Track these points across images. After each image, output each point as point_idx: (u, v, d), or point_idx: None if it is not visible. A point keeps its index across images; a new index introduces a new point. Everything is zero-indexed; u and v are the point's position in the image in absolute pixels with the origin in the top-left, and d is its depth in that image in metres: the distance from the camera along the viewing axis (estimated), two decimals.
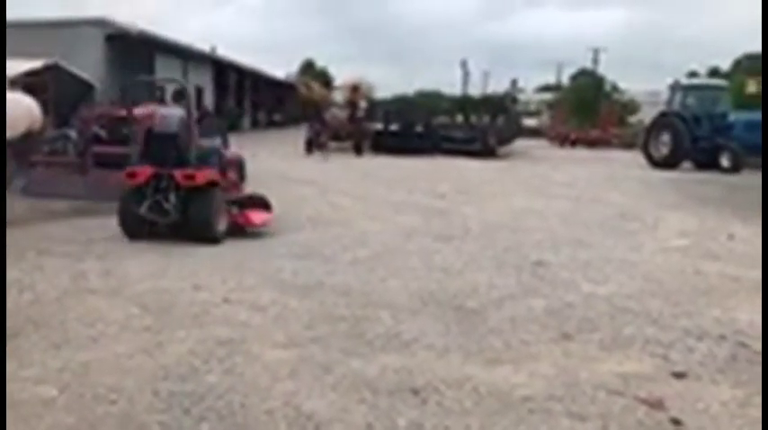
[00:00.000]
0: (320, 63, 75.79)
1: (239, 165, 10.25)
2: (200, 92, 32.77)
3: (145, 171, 7.92)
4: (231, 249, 7.51)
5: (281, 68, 61.96)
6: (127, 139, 12.16)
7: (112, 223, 8.18)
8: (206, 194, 7.87)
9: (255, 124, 43.74)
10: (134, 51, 25.43)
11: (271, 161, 18.65)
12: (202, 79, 33.73)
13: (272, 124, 46.55)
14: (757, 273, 6.88)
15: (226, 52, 38.25)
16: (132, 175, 7.97)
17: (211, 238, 7.75)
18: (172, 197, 7.85)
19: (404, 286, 6.00)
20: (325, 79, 55.28)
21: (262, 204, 9.04)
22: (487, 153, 23.40)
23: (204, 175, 7.90)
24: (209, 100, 32.97)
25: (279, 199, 11.68)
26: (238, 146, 17.76)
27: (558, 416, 3.51)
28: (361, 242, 7.96)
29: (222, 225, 8.03)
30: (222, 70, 37.25)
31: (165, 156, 8.04)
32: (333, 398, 3.66)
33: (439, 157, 22.38)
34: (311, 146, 22.86)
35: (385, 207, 11.22)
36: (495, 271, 6.69)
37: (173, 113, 8.71)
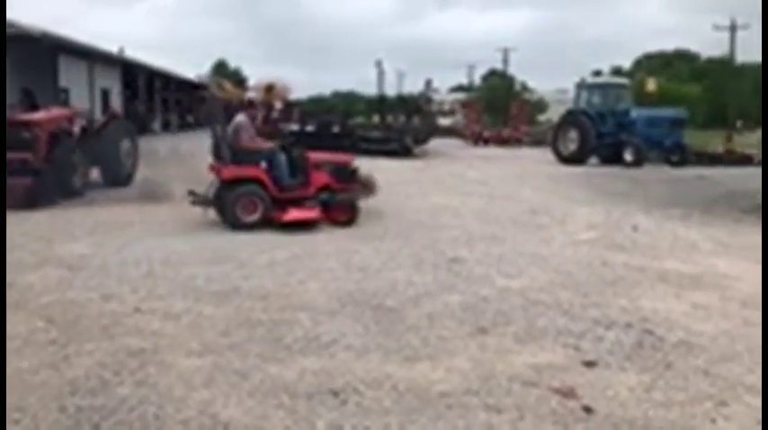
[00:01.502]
0: (233, 64, 74.64)
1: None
2: (106, 94, 31.62)
3: None
4: (141, 255, 7.27)
5: (192, 69, 60.62)
6: (27, 144, 11.65)
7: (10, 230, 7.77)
8: None
9: (167, 127, 42.56)
10: (37, 53, 24.25)
11: (184, 163, 18.16)
12: (110, 81, 32.56)
13: (185, 126, 45.40)
14: (659, 263, 7.24)
15: (135, 53, 37.11)
16: None
17: None
18: None
19: (322, 288, 5.96)
20: (238, 80, 54.40)
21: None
22: (404, 153, 23.64)
23: None
24: (116, 102, 31.82)
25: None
26: (146, 149, 17.28)
27: (474, 409, 3.57)
28: (277, 244, 7.86)
29: None
30: (131, 72, 36.07)
31: None
32: (250, 404, 3.59)
33: (356, 158, 22.38)
34: (218, 150, 22.38)
35: None
36: (413, 269, 6.75)
37: None
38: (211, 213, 9.53)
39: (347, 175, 9.94)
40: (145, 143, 17.91)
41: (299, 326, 4.87)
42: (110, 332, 4.73)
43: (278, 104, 25.63)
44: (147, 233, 8.77)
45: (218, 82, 31.40)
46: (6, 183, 10.57)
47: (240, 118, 9.84)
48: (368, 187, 10.51)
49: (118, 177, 13.99)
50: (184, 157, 19.35)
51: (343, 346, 4.49)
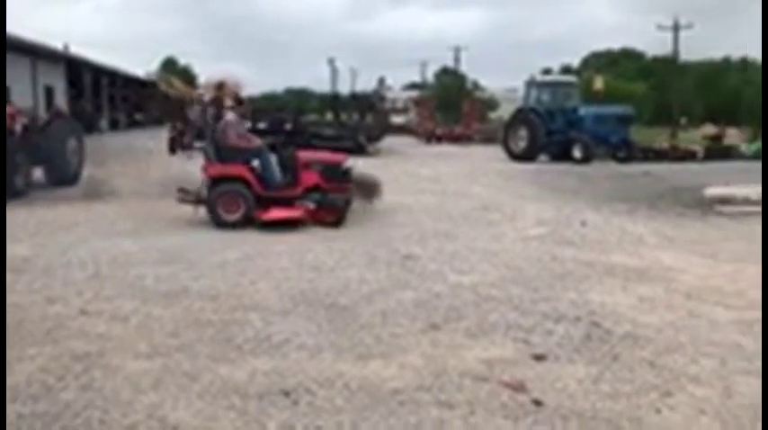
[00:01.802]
0: (183, 61, 73.43)
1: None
2: (50, 92, 30.73)
3: None
4: (87, 256, 7.08)
5: (142, 67, 59.44)
6: None
7: None
8: None
9: (115, 125, 41.59)
10: None
11: (131, 163, 17.79)
12: (54, 79, 31.63)
13: (133, 125, 44.45)
14: (607, 257, 7.39)
15: (81, 50, 36.10)
16: None
17: None
18: None
19: (275, 287, 5.91)
20: (188, 77, 53.55)
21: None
22: (358, 150, 23.58)
23: None
24: (62, 100, 30.96)
25: (139, 201, 11.22)
26: (93, 148, 16.86)
27: (426, 406, 3.58)
28: (229, 244, 7.76)
29: None
30: (76, 69, 35.11)
31: None
32: (200, 406, 3.54)
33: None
34: (174, 145, 22.05)
35: None
36: (366, 266, 6.74)
37: None
38: (165, 211, 9.37)
39: (339, 175, 9.70)
40: (92, 142, 17.48)
41: (251, 327, 4.82)
42: (53, 336, 4.60)
43: (229, 102, 25.30)
44: (94, 233, 8.55)
45: (167, 79, 30.81)
46: None
47: (229, 116, 9.77)
48: (370, 190, 10.34)
49: (64, 176, 13.63)
50: (133, 156, 18.97)
51: (296, 346, 4.46)
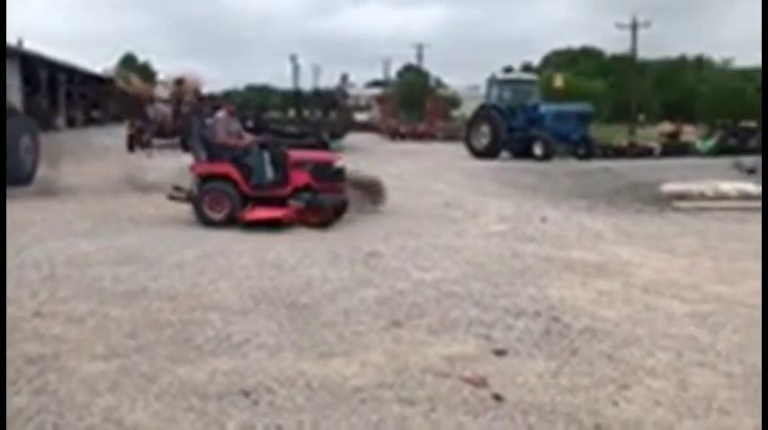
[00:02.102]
0: (142, 58, 72.21)
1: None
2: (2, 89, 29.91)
3: None
4: (42, 256, 6.92)
5: (100, 63, 58.09)
6: None
7: None
8: None
9: (72, 122, 40.71)
10: None
11: (88, 161, 17.46)
12: (7, 75, 30.78)
13: (91, 122, 43.57)
14: (566, 253, 7.49)
15: (37, 46, 35.22)
16: None
17: None
18: None
19: (235, 286, 5.85)
20: (147, 74, 52.71)
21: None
22: (321, 147, 23.49)
23: None
24: (15, 97, 30.16)
25: (98, 200, 11.01)
26: (49, 146, 16.48)
27: (388, 403, 3.58)
28: (189, 243, 7.66)
29: None
30: (31, 65, 34.25)
31: None
32: (158, 408, 3.48)
33: None
34: (133, 143, 21.69)
35: None
36: (329, 264, 6.72)
37: None
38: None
39: (330, 175, 9.44)
40: (48, 139, 17.07)
41: (210, 327, 4.76)
42: (6, 339, 4.47)
43: (189, 98, 24.98)
44: (50, 233, 8.35)
45: (125, 76, 30.27)
46: None
47: (220, 114, 9.67)
48: (373, 192, 10.21)
49: (17, 176, 13.25)
50: (91, 154, 18.62)
51: (256, 345, 4.42)
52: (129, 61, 68.64)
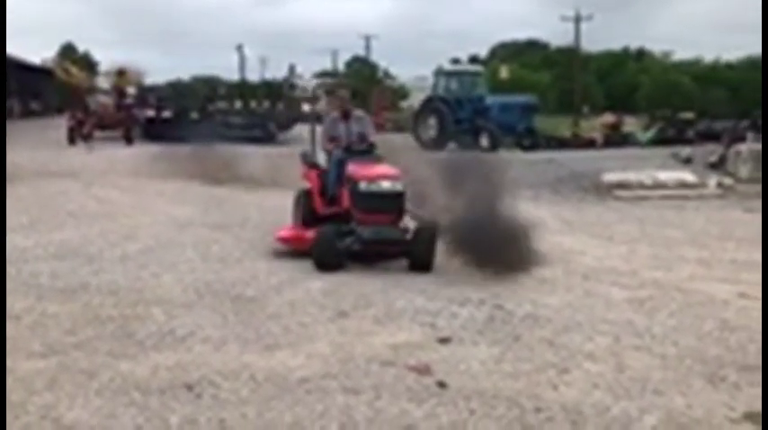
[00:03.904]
0: (82, 47, 70.02)
1: None
2: None
3: None
4: None
5: (38, 53, 56.15)
6: None
7: None
8: None
9: (8, 114, 39.32)
10: None
11: (27, 153, 16.89)
12: None
13: (29, 114, 42.15)
14: None
15: None
16: None
17: None
18: None
19: (178, 280, 5.77)
20: (87, 64, 51.21)
21: None
22: (268, 139, 23.27)
23: None
24: None
25: (36, 194, 10.67)
26: None
27: (333, 393, 3.59)
28: (131, 237, 7.51)
29: None
30: None
31: None
32: (98, 404, 3.41)
33: (217, 145, 21.78)
34: (73, 135, 21.06)
35: (158, 198, 10.70)
36: (276, 257, 6.68)
37: None
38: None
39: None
40: None
41: (153, 321, 4.69)
42: None
43: (131, 89, 24.40)
44: None
45: (64, 66, 29.34)
46: None
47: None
48: None
49: None
50: (28, 146, 18.00)
51: (200, 339, 4.38)
52: (68, 51, 66.48)
